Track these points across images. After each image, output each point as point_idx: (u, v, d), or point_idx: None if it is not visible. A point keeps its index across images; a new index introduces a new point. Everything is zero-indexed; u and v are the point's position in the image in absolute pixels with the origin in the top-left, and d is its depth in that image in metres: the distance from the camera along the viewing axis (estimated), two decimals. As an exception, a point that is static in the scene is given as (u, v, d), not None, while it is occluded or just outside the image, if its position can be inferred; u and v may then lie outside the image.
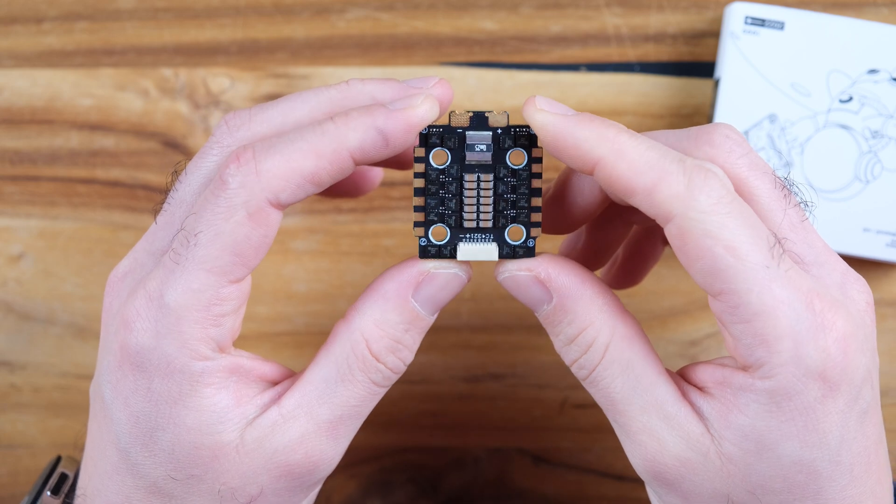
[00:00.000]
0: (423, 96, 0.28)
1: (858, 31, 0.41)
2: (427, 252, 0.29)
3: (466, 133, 0.29)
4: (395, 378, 0.30)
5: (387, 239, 0.45)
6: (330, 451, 0.29)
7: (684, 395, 0.28)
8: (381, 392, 0.30)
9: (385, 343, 0.29)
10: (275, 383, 0.30)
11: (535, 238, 0.29)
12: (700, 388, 0.28)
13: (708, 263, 0.25)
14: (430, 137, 0.29)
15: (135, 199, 0.45)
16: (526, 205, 0.29)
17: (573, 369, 0.29)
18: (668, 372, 0.29)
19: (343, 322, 0.29)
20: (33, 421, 0.46)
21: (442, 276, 0.29)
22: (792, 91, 0.41)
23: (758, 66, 0.41)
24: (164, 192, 0.30)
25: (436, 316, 0.30)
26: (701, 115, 0.44)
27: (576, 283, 0.28)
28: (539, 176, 0.29)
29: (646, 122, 0.44)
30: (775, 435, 0.26)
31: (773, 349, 0.25)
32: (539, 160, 0.29)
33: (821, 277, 0.27)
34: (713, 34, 0.43)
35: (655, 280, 0.44)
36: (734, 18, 0.41)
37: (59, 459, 0.34)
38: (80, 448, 0.31)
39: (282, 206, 0.27)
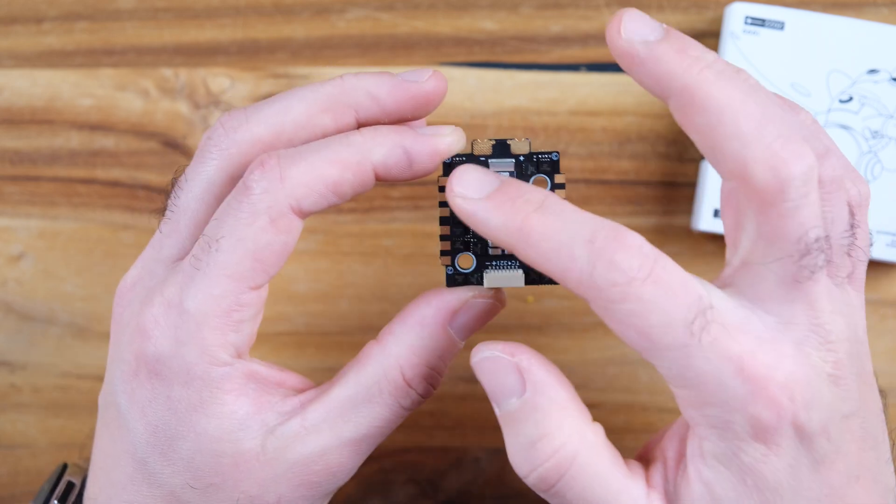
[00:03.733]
0: (451, 128, 0.29)
1: (858, 31, 0.41)
2: (454, 280, 0.29)
3: (489, 161, 0.29)
4: (422, 402, 0.29)
5: (387, 239, 0.45)
6: (349, 463, 0.29)
7: (649, 483, 0.27)
8: (406, 414, 0.29)
9: (420, 370, 0.29)
10: (296, 391, 0.30)
11: None
12: (664, 464, 0.27)
13: (630, 342, 0.25)
14: (454, 167, 0.29)
15: (135, 199, 0.45)
16: None
17: (531, 479, 0.27)
18: (630, 464, 0.28)
19: (377, 344, 0.29)
20: (33, 421, 0.46)
21: (480, 305, 0.29)
22: (792, 91, 0.41)
23: (758, 66, 0.41)
24: (166, 195, 0.30)
25: (465, 342, 0.30)
26: (701, 115, 0.44)
27: (554, 382, 0.27)
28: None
29: (646, 122, 0.44)
30: (732, 497, 0.25)
31: (704, 413, 0.25)
32: (562, 186, 0.29)
33: (784, 323, 0.25)
34: (713, 34, 0.43)
35: (655, 280, 0.44)
36: (734, 18, 0.41)
37: (65, 467, 0.34)
38: (86, 457, 0.31)
39: (304, 214, 0.27)
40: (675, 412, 0.44)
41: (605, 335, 0.45)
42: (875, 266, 0.43)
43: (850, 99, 0.41)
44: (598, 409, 0.45)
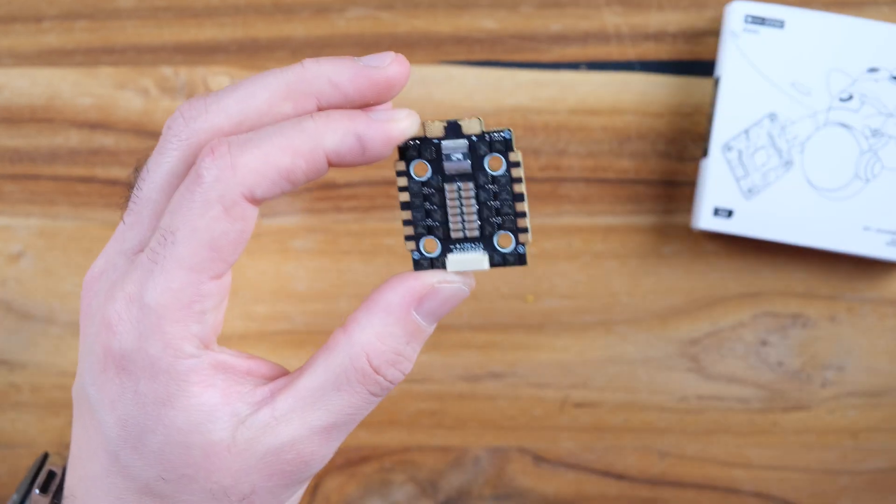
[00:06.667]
0: (406, 111, 0.28)
1: (858, 30, 0.41)
2: (420, 265, 0.29)
3: (442, 143, 0.29)
4: (392, 388, 0.29)
5: (387, 238, 0.45)
6: (322, 451, 0.29)
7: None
8: (377, 401, 0.29)
9: (386, 357, 0.29)
10: (265, 378, 0.30)
11: (524, 244, 0.29)
12: None
13: None
14: (408, 150, 0.29)
15: (134, 198, 0.45)
16: (510, 210, 0.29)
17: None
18: None
19: (342, 332, 0.29)
20: (33, 420, 0.46)
21: (446, 290, 0.29)
22: (792, 90, 0.41)
23: (758, 65, 0.41)
24: (129, 187, 0.30)
25: (435, 326, 0.30)
26: (701, 113, 0.44)
27: None
28: (520, 180, 0.29)
29: (646, 120, 0.44)
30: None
31: None
32: (518, 164, 0.29)
33: None
34: (713, 33, 0.43)
35: (655, 280, 0.44)
36: (734, 17, 0.41)
37: (46, 456, 0.34)
38: (67, 446, 0.31)
39: (257, 202, 0.27)
40: (675, 411, 0.44)
41: (606, 335, 0.45)
42: (875, 265, 0.43)
43: (851, 97, 0.41)
44: (597, 409, 0.45)
